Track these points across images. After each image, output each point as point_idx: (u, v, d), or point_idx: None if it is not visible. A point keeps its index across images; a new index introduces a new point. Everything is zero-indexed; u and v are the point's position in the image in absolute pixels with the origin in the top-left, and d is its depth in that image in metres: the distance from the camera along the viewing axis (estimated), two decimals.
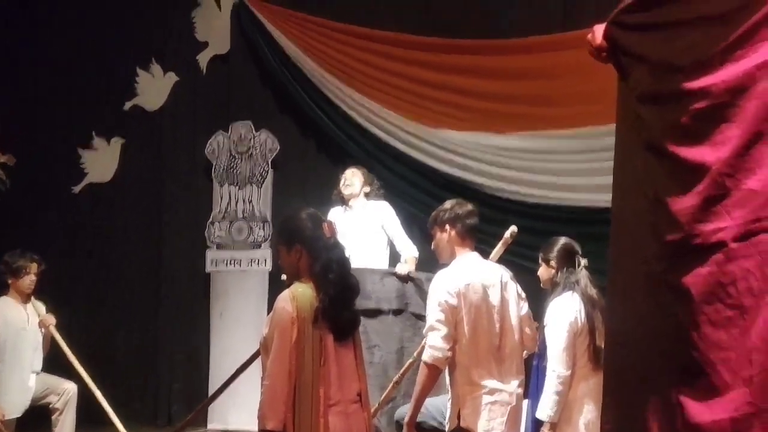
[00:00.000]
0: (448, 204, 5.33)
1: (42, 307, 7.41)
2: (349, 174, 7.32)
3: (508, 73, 7.76)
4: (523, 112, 7.63)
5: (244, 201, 8.60)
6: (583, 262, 5.58)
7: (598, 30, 2.88)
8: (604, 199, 7.01)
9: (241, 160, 8.62)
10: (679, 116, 2.55)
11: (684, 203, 2.48)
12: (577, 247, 5.65)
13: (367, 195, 7.31)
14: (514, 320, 5.08)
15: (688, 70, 2.54)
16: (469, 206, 5.30)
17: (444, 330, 4.87)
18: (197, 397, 8.06)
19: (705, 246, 2.45)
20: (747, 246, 2.40)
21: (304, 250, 4.37)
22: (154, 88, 9.10)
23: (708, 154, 2.46)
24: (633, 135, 2.73)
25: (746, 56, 2.44)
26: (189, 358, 8.65)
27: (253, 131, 8.65)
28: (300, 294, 4.30)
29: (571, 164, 7.35)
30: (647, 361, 2.63)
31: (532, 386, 5.47)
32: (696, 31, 2.55)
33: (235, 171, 8.63)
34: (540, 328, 5.46)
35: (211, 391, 7.70)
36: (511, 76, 7.75)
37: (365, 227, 7.14)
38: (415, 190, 7.88)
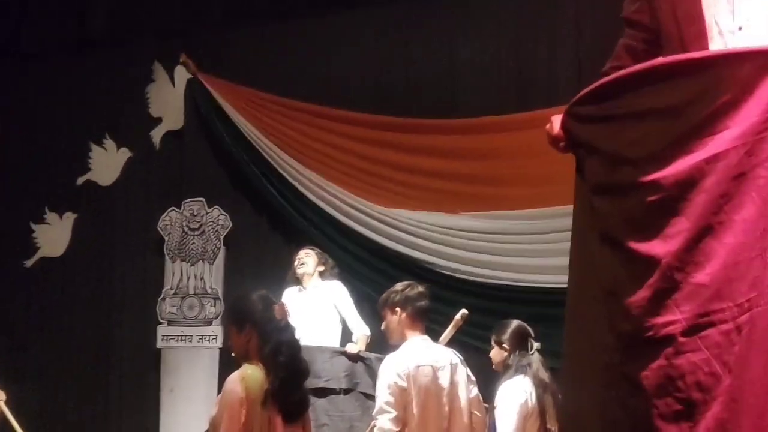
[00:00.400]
0: (399, 286, 5.36)
1: None
2: (303, 254, 7.36)
3: (461, 153, 7.79)
4: (475, 192, 7.67)
5: (195, 277, 8.54)
6: (536, 345, 5.62)
7: (556, 120, 2.88)
8: (556, 280, 7.05)
9: (194, 237, 8.58)
10: (631, 209, 2.56)
11: (637, 296, 2.47)
12: (530, 330, 5.70)
13: (321, 274, 7.34)
14: (463, 403, 5.09)
15: (640, 162, 2.55)
16: (420, 288, 5.33)
17: (393, 413, 4.87)
18: None
19: (656, 339, 2.44)
20: (695, 341, 2.40)
21: (255, 331, 4.39)
22: (107, 163, 9.06)
23: (659, 247, 2.46)
24: (588, 225, 2.74)
25: (696, 150, 2.46)
26: (140, 430, 8.50)
27: (206, 208, 8.61)
28: (249, 375, 4.32)
29: (524, 245, 7.38)
30: None
31: None
32: (647, 125, 2.57)
33: (187, 247, 8.58)
34: (491, 410, 5.48)
35: None
36: (464, 156, 7.78)
37: (319, 307, 7.15)
38: (368, 269, 7.87)
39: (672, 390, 2.41)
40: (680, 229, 2.44)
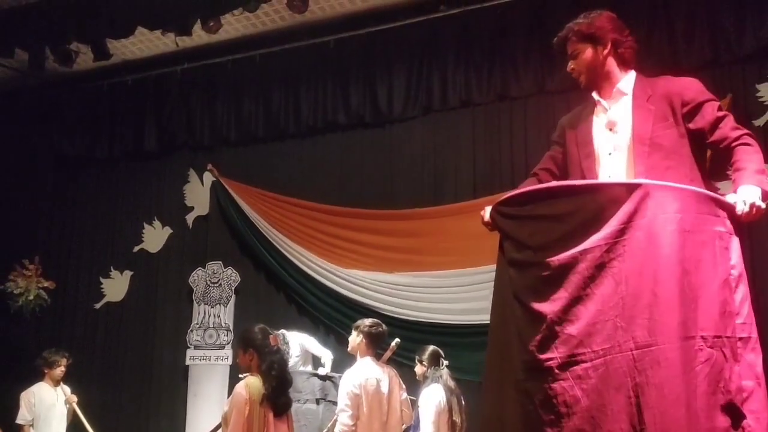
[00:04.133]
0: (369, 321, 5.41)
1: (68, 389, 7.18)
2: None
3: (396, 233, 7.75)
4: (405, 258, 7.60)
5: (214, 316, 8.41)
6: (446, 362, 5.61)
7: (487, 210, 2.91)
8: (459, 319, 7.07)
9: (213, 288, 8.46)
10: (530, 279, 2.60)
11: (532, 338, 2.51)
12: (441, 352, 5.70)
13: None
14: (396, 403, 5.10)
15: (536, 249, 2.61)
16: (382, 328, 5.37)
17: (350, 411, 4.86)
18: None
19: (542, 368, 2.48)
20: (565, 372, 2.44)
21: (255, 353, 4.37)
22: (155, 237, 8.93)
23: (547, 307, 2.50)
24: (506, 286, 2.75)
25: (573, 245, 2.51)
26: (171, 425, 8.26)
27: (223, 268, 8.50)
28: (251, 383, 4.29)
29: (440, 295, 7.33)
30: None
31: None
32: (542, 224, 2.64)
33: (209, 295, 8.46)
34: (415, 408, 5.44)
35: None
36: (398, 235, 7.74)
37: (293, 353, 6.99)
38: (332, 310, 7.77)
39: (550, 404, 2.45)
40: (560, 296, 2.49)
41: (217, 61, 8.71)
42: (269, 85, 8.49)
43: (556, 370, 2.44)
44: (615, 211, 2.47)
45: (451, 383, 5.47)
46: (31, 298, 8.75)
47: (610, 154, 2.91)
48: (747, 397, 2.39)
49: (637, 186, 2.51)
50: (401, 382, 5.32)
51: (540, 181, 3.07)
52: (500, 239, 2.83)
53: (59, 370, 7.10)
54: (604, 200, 2.50)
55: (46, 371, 7.09)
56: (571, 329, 2.44)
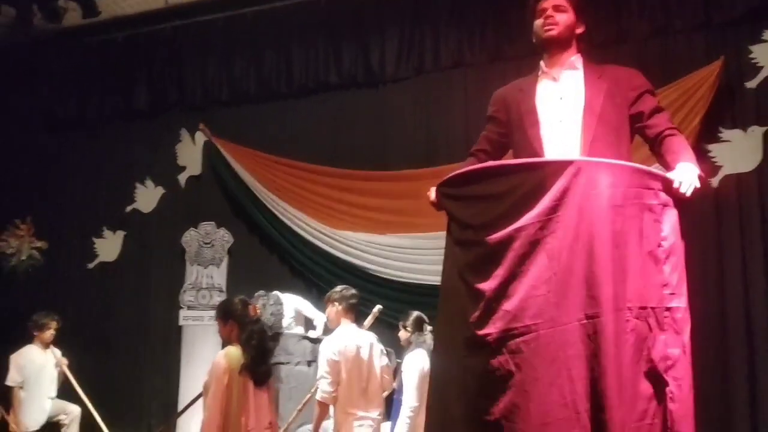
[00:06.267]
0: (338, 288, 5.45)
1: (58, 352, 7.30)
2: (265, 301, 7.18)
3: (389, 194, 7.80)
4: (398, 220, 7.67)
5: (207, 276, 8.51)
6: (429, 327, 5.71)
7: (433, 190, 2.99)
8: None
9: (206, 248, 8.55)
10: (471, 258, 2.68)
11: (473, 315, 2.59)
12: (425, 317, 5.79)
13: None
14: (377, 370, 5.17)
15: (477, 228, 2.69)
16: (353, 291, 5.42)
17: (330, 378, 4.95)
18: (169, 413, 7.90)
19: (482, 343, 2.56)
20: (501, 347, 2.53)
21: (235, 324, 4.48)
22: (147, 197, 9.01)
23: (485, 284, 2.58)
24: (452, 264, 2.83)
25: (510, 222, 2.59)
26: (164, 385, 8.43)
27: (215, 228, 8.58)
28: (231, 353, 4.42)
29: (427, 256, 7.36)
30: (456, 408, 2.68)
31: (393, 412, 5.55)
32: (482, 204, 2.71)
33: (201, 255, 8.56)
34: (398, 373, 5.56)
35: (179, 409, 7.59)
36: (392, 196, 7.78)
37: (287, 312, 7.16)
38: (325, 272, 7.86)
39: (488, 379, 2.53)
40: (497, 273, 2.57)
41: (208, 18, 8.70)
42: (261, 44, 8.48)
43: (493, 345, 2.52)
44: (549, 188, 2.55)
45: None
46: (24, 258, 8.87)
47: (561, 121, 2.99)
48: (672, 364, 2.50)
49: (569, 163, 2.58)
50: (383, 348, 5.42)
51: (479, 161, 3.17)
52: (448, 218, 2.92)
53: (49, 333, 7.22)
54: (538, 178, 2.58)
55: (35, 334, 7.21)
56: (507, 305, 2.52)
